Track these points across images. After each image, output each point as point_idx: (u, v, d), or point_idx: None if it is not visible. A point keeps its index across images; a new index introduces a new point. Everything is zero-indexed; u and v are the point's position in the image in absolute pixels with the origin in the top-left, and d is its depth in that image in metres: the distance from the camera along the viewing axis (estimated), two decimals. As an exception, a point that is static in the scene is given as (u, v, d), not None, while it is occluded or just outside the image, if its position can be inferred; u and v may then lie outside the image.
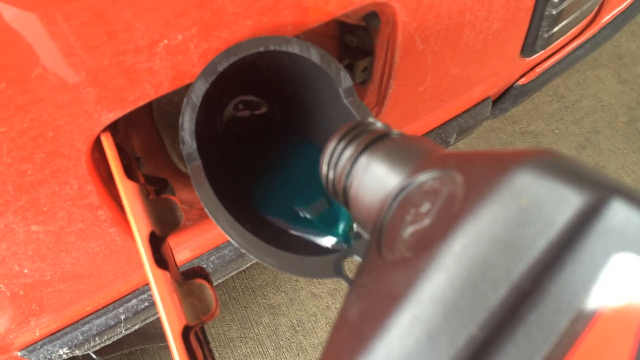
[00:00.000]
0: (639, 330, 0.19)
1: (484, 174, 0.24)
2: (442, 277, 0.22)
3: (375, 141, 0.37)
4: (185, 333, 0.43)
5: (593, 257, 0.20)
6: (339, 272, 0.46)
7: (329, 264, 0.46)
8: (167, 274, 0.45)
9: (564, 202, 0.21)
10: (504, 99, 0.96)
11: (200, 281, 0.47)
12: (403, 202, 0.31)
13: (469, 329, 0.20)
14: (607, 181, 0.21)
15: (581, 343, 0.19)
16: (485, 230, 0.22)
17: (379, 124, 0.40)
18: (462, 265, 0.22)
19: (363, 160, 0.37)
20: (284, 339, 1.55)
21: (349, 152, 0.38)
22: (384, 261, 0.27)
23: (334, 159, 0.39)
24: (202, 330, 0.52)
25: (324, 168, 0.40)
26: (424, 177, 0.30)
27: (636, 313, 0.19)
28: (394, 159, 0.34)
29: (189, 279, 0.48)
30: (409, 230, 0.27)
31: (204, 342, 0.51)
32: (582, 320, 0.19)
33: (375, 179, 0.35)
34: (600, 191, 0.21)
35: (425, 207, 0.27)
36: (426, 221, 0.26)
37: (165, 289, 0.44)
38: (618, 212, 0.20)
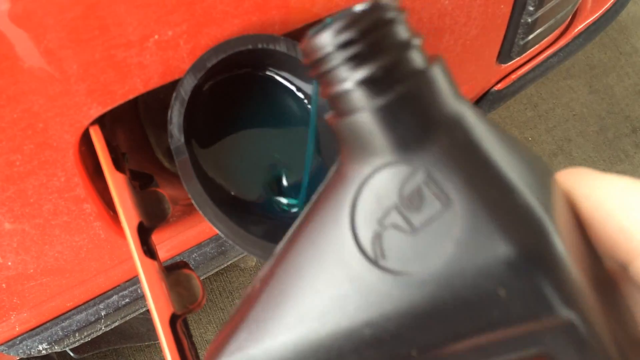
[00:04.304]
0: None
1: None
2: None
3: (403, 80, 0.26)
4: (173, 321, 0.44)
5: None
6: None
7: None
8: (155, 263, 0.46)
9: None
10: (480, 104, 0.99)
11: (187, 271, 0.48)
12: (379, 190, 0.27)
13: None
14: None
15: None
16: None
17: (415, 43, 0.27)
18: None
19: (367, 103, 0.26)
20: (261, 341, 1.56)
21: (355, 77, 0.26)
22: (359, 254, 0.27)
23: (331, 61, 0.27)
24: (186, 324, 0.53)
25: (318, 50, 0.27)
26: (418, 179, 0.26)
27: None
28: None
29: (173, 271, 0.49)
30: (386, 226, 0.26)
31: (188, 335, 0.51)
32: None
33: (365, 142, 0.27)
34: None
35: (404, 213, 0.26)
36: (405, 227, 0.26)
37: (154, 278, 0.44)
38: None
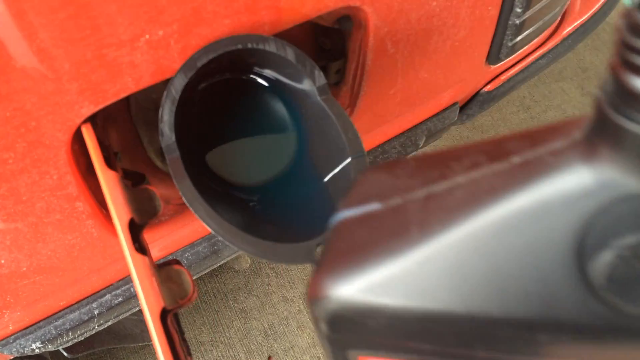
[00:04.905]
0: None
1: None
2: None
3: None
4: (164, 316, 0.45)
5: None
6: (310, 258, 0.48)
7: (302, 250, 0.48)
8: (145, 259, 0.46)
9: None
10: (470, 104, 1.00)
11: (177, 267, 0.48)
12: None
13: None
14: None
15: None
16: None
17: None
18: None
19: None
20: (255, 343, 1.56)
21: None
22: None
23: None
24: (177, 320, 0.53)
25: None
26: None
27: None
28: None
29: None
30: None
31: (179, 331, 0.52)
32: None
33: None
34: None
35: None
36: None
37: (144, 273, 0.45)
38: None
